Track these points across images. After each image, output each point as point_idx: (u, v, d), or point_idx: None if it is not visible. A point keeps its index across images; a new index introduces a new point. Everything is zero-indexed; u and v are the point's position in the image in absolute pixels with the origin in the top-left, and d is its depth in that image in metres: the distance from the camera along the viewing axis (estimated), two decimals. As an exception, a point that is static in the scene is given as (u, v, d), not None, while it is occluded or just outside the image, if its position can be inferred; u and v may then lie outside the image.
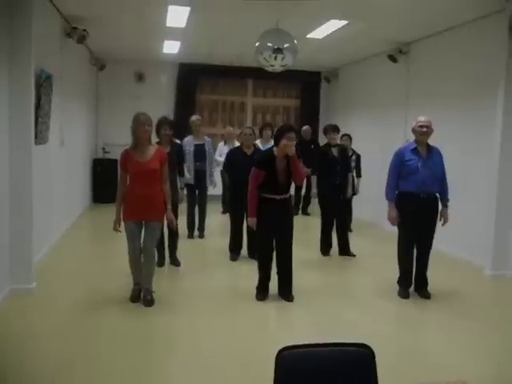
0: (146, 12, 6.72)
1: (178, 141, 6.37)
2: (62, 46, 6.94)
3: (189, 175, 6.77)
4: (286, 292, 4.86)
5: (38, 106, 5.35)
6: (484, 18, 6.23)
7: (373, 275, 5.86)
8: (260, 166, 4.77)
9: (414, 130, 4.98)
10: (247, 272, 5.25)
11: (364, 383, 1.81)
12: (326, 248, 6.70)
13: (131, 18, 7.09)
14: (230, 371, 3.46)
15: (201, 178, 7.17)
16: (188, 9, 6.49)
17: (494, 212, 5.89)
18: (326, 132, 6.74)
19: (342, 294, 5.24)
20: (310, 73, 11.48)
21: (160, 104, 10.75)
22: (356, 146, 8.14)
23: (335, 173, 6.50)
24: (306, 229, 8.28)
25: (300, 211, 9.78)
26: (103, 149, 10.73)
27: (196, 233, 7.52)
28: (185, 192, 6.26)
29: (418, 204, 4.85)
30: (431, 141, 5.06)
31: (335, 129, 6.66)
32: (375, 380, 1.83)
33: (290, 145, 4.56)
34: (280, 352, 1.81)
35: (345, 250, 6.68)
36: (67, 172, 7.59)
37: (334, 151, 6.60)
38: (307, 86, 11.76)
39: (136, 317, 4.36)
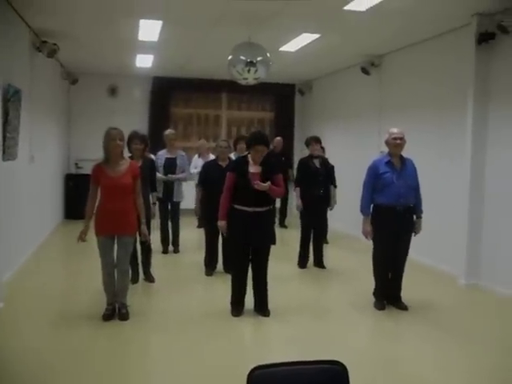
0: (117, 26, 6.67)
1: (151, 155, 6.30)
2: (31, 60, 6.82)
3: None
4: (261, 307, 4.80)
5: (5, 122, 5.23)
6: (453, 32, 6.36)
7: (349, 287, 5.85)
8: (232, 169, 4.75)
9: (387, 143, 4.99)
10: (223, 287, 5.18)
11: (338, 401, 1.77)
12: (303, 261, 6.68)
13: (103, 31, 7.02)
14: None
15: (170, 191, 7.10)
16: (160, 22, 6.46)
17: (466, 220, 5.95)
18: (308, 143, 6.74)
19: (319, 307, 5.20)
20: (283, 85, 11.55)
21: (134, 118, 10.65)
22: (330, 156, 8.16)
23: (318, 184, 6.50)
24: (283, 242, 8.24)
25: (277, 224, 9.76)
26: (76, 164, 10.56)
27: (171, 248, 7.42)
28: (157, 207, 6.17)
29: (395, 217, 4.84)
30: (404, 152, 5.09)
31: (317, 140, 6.69)
32: (349, 398, 1.79)
33: (259, 186, 4.48)
34: (252, 371, 1.76)
35: (320, 262, 6.69)
36: (37, 188, 7.43)
37: (316, 162, 6.61)
38: (281, 98, 11.81)
39: (109, 334, 4.26)
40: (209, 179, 5.98)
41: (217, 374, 3.60)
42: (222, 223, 4.70)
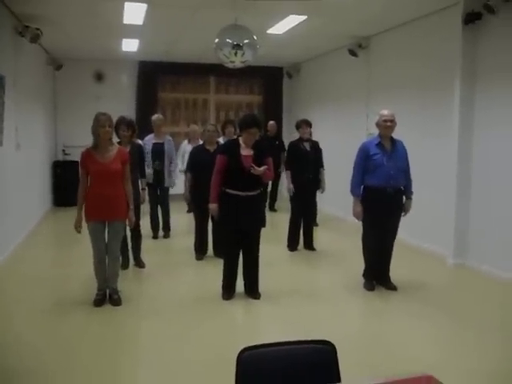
0: (101, 9, 6.56)
1: (139, 141, 6.25)
2: (14, 45, 6.71)
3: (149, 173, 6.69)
4: (252, 290, 4.83)
5: (-11, 109, 5.16)
6: (439, 12, 6.34)
7: (339, 269, 5.90)
8: (222, 151, 4.71)
9: (378, 124, 4.99)
10: (213, 271, 5.20)
11: (327, 379, 1.80)
12: (293, 243, 6.71)
13: (87, 15, 6.90)
14: (195, 372, 3.41)
15: (160, 177, 7.08)
16: (145, 5, 6.37)
17: (454, 201, 6.01)
18: (298, 126, 6.70)
19: (309, 289, 5.24)
20: (271, 68, 11.48)
21: (121, 103, 10.54)
22: (319, 139, 8.16)
23: (308, 167, 6.48)
24: (273, 225, 8.27)
25: (267, 207, 9.78)
26: (63, 150, 10.47)
27: (161, 233, 7.42)
28: (146, 192, 6.16)
29: (385, 198, 4.87)
30: (392, 132, 5.10)
31: (308, 123, 6.67)
32: (337, 375, 1.82)
33: (255, 170, 4.51)
34: (241, 352, 1.78)
35: (310, 245, 6.73)
36: (25, 176, 7.36)
37: (307, 145, 6.59)
38: (269, 81, 11.75)
39: (101, 319, 4.28)
40: (197, 164, 5.96)
41: (208, 357, 3.63)
42: (213, 206, 4.66)
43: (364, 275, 5.19)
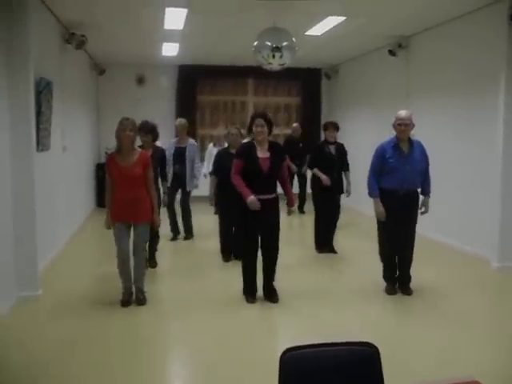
0: (143, 15, 6.72)
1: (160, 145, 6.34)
2: (60, 52, 6.96)
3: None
4: (269, 294, 4.80)
5: (38, 113, 5.37)
6: (483, 9, 6.18)
7: (361, 272, 5.82)
8: (238, 156, 4.65)
9: (394, 127, 4.89)
10: (238, 273, 5.13)
11: (370, 382, 1.80)
12: (321, 245, 6.67)
13: (129, 21, 7.09)
14: (232, 371, 3.45)
15: (180, 180, 7.13)
16: (185, 10, 6.49)
17: (499, 203, 5.85)
18: (325, 128, 6.66)
19: (330, 292, 5.13)
20: (310, 70, 11.45)
21: (161, 106, 10.79)
22: (357, 141, 8.11)
23: (331, 170, 6.40)
24: (302, 227, 8.25)
25: (297, 210, 9.71)
26: (106, 153, 10.72)
27: (182, 235, 7.50)
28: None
29: (398, 201, 4.78)
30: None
31: (335, 126, 6.59)
32: (381, 379, 1.82)
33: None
34: (285, 352, 1.79)
35: (331, 247, 6.69)
36: (70, 178, 7.61)
37: (332, 148, 6.52)
38: (308, 83, 11.72)
39: (137, 320, 4.38)
40: (221, 168, 5.91)
41: (243, 357, 3.66)
42: (251, 198, 4.46)
43: (384, 278, 5.10)
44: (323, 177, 6.37)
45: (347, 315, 4.52)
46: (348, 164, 6.68)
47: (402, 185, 4.77)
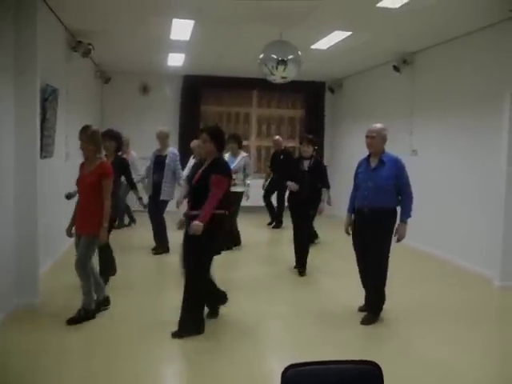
0: (150, 25, 6.77)
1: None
2: (67, 59, 6.99)
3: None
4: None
5: (43, 120, 5.38)
6: (490, 27, 6.21)
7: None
8: (228, 174, 4.39)
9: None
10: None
11: (372, 402, 1.77)
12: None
13: (136, 31, 7.14)
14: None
15: (157, 189, 7.05)
16: (192, 22, 6.53)
17: (502, 221, 5.82)
18: (301, 143, 6.43)
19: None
20: (314, 83, 11.50)
21: (165, 116, 10.83)
22: (359, 155, 8.05)
23: (303, 186, 6.12)
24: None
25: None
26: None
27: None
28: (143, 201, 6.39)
29: (362, 219, 4.59)
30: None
31: (310, 142, 6.23)
32: (383, 398, 1.79)
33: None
34: (286, 369, 1.77)
35: (298, 264, 6.35)
36: (73, 185, 7.57)
37: (305, 164, 6.22)
38: (312, 96, 11.76)
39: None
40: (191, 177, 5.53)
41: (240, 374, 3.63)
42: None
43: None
44: (289, 182, 6.21)
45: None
46: (326, 181, 6.33)
47: (363, 202, 4.56)
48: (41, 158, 5.24)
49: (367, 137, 4.62)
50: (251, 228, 8.97)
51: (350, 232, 4.75)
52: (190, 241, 4.20)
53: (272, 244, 8.85)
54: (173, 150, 7.32)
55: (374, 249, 4.56)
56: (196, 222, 4.02)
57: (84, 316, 4.45)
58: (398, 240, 4.57)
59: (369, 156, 4.68)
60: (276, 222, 9.66)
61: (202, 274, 4.24)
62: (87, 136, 4.51)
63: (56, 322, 4.42)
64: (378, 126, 4.67)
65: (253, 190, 7.76)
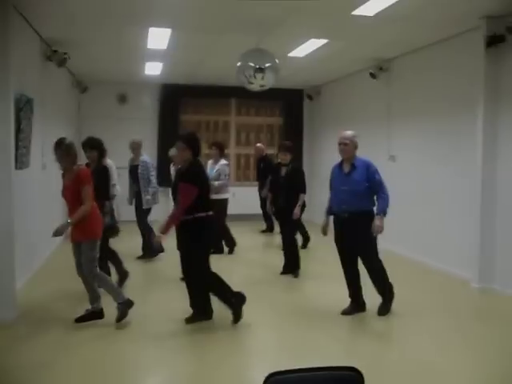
0: (126, 34, 6.73)
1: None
2: (42, 69, 6.90)
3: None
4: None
5: (18, 131, 5.29)
6: (461, 35, 6.34)
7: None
8: (196, 182, 4.40)
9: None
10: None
11: (354, 408, 1.76)
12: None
13: (112, 40, 7.09)
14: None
15: (137, 199, 7.21)
16: (169, 30, 6.51)
17: (478, 224, 5.91)
18: (279, 150, 6.62)
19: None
20: (292, 90, 11.56)
21: (143, 125, 10.77)
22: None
23: (280, 192, 6.36)
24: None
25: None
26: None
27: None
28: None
29: (342, 223, 4.79)
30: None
31: (287, 149, 6.38)
32: (365, 404, 1.79)
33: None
34: (267, 378, 1.76)
35: (285, 270, 6.55)
36: (49, 195, 7.47)
37: (283, 170, 6.37)
38: (290, 103, 11.83)
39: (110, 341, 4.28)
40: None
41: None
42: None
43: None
44: (263, 190, 6.62)
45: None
46: (301, 186, 6.37)
47: (340, 206, 4.77)
48: (16, 169, 5.15)
49: (340, 144, 4.82)
50: (240, 234, 8.86)
51: (326, 233, 4.98)
52: (181, 245, 4.50)
53: (262, 249, 8.79)
54: (144, 158, 7.33)
55: (361, 251, 4.81)
56: (157, 235, 4.41)
57: (122, 313, 4.59)
58: (376, 233, 4.67)
59: (341, 162, 4.89)
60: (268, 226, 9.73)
61: (201, 271, 4.51)
62: (62, 150, 4.54)
63: (33, 337, 4.32)
64: (350, 133, 4.87)
65: (237, 197, 7.84)
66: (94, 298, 4.70)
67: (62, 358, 3.94)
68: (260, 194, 9.32)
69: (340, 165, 4.88)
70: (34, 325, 4.63)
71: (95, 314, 4.68)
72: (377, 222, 4.64)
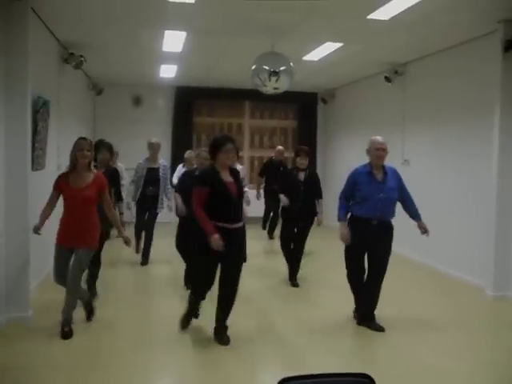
0: (142, 37, 6.78)
1: (120, 164, 6.21)
2: (59, 71, 6.98)
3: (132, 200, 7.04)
4: (220, 333, 4.32)
5: (34, 132, 5.35)
6: (478, 40, 6.28)
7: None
8: (201, 183, 4.16)
9: (369, 152, 4.71)
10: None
11: (366, 415, 1.75)
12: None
13: (128, 43, 7.15)
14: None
15: (152, 202, 7.03)
16: (184, 33, 6.55)
17: (493, 231, 5.84)
18: (297, 155, 6.30)
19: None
20: (306, 94, 11.55)
21: (157, 127, 10.83)
22: (351, 165, 8.00)
23: (298, 197, 6.13)
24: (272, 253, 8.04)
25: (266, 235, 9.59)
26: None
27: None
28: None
29: (370, 230, 4.58)
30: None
31: (307, 153, 6.31)
32: (378, 411, 1.78)
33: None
34: (280, 383, 1.76)
35: (292, 278, 6.31)
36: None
37: (301, 175, 6.23)
38: (304, 106, 11.82)
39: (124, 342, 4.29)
40: (186, 187, 5.26)
41: None
42: (216, 237, 4.00)
43: (355, 311, 4.91)
44: (283, 197, 6.22)
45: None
46: (319, 191, 6.35)
47: (374, 213, 4.56)
48: (32, 170, 5.21)
49: (379, 149, 4.63)
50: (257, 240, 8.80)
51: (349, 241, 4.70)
52: (243, 252, 4.49)
53: (266, 255, 8.79)
54: (163, 161, 7.31)
55: (380, 259, 4.68)
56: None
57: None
58: (426, 233, 4.82)
59: (370, 168, 4.67)
60: (269, 232, 9.53)
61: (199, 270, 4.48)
62: (89, 145, 4.46)
63: (48, 336, 4.36)
64: (382, 138, 4.77)
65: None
66: (82, 297, 4.64)
67: (69, 360, 3.97)
68: (268, 198, 9.15)
69: (369, 171, 4.66)
70: (48, 324, 4.67)
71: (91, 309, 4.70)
72: (423, 225, 4.75)
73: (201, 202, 4.10)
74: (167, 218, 7.91)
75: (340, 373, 1.83)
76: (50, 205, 4.48)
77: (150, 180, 7.01)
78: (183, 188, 5.84)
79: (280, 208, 6.56)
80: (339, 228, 4.72)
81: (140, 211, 7.21)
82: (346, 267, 4.83)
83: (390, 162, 5.24)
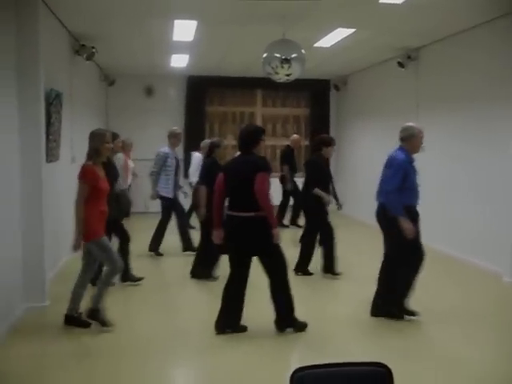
0: (152, 27, 6.76)
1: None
2: (71, 63, 7.01)
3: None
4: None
5: (48, 124, 5.39)
6: (493, 21, 6.14)
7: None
8: (269, 171, 4.19)
9: (410, 139, 4.62)
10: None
11: (382, 403, 1.75)
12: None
13: (139, 33, 7.14)
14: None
15: (175, 192, 7.00)
16: (195, 22, 6.52)
17: (511, 217, 5.76)
18: (329, 144, 6.07)
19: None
20: (319, 81, 11.45)
21: (170, 117, 10.83)
22: (365, 152, 8.03)
23: (327, 186, 6.09)
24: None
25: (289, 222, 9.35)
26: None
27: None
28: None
29: (417, 218, 4.56)
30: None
31: (334, 143, 6.27)
32: (394, 400, 1.77)
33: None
34: (295, 373, 1.76)
35: (329, 268, 6.03)
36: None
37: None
38: (316, 94, 11.72)
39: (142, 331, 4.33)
40: (212, 178, 4.93)
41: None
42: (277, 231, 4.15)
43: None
44: (327, 198, 5.99)
45: (352, 340, 4.34)
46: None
47: (417, 200, 4.56)
48: (47, 162, 5.25)
49: (423, 137, 4.65)
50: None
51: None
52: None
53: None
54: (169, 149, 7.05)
55: (386, 248, 4.67)
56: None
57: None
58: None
59: (410, 156, 4.61)
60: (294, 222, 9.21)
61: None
62: (110, 138, 4.55)
63: (63, 327, 4.42)
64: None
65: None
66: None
67: (88, 348, 4.02)
68: (288, 188, 8.96)
69: (411, 160, 4.59)
70: (63, 313, 4.71)
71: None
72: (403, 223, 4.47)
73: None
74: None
75: (355, 362, 1.83)
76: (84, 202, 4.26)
77: (175, 169, 6.95)
78: (209, 180, 5.21)
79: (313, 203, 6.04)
80: (402, 223, 4.38)
81: (170, 201, 6.91)
82: (396, 261, 4.59)
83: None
